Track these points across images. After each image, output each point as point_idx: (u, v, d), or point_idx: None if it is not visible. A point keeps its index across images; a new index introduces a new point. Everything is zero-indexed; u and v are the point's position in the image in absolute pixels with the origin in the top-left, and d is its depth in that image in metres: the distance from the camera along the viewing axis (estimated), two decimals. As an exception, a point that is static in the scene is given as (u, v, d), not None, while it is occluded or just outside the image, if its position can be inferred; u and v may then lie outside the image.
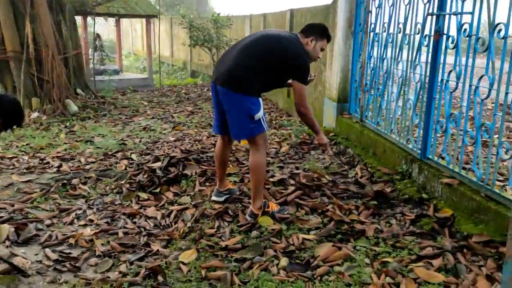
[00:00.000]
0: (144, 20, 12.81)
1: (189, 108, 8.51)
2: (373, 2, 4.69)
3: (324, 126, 5.85)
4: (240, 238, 3.06)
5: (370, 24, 4.77)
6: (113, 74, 11.90)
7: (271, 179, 3.99)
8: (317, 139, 3.48)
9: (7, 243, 3.11)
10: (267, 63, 3.11)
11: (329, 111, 5.80)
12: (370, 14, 4.78)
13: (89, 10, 9.45)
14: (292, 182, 3.94)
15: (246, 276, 2.61)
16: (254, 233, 3.12)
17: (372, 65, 4.76)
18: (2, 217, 3.54)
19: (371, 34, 4.76)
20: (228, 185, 3.75)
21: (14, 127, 2.79)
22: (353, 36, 5.24)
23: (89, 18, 11.35)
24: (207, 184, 4.06)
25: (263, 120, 3.17)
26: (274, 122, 7.04)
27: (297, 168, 4.34)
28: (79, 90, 8.55)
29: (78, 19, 13.30)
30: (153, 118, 7.57)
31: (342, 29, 5.31)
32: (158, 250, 3.06)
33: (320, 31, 3.33)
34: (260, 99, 3.18)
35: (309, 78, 3.32)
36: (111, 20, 13.85)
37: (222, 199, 3.66)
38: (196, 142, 5.69)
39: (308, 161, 4.70)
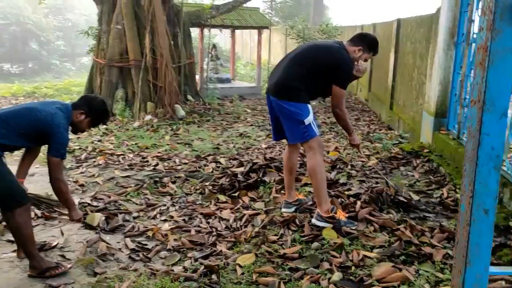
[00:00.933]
0: (265, 30, 13.32)
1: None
2: (476, 10, 4.32)
3: (421, 142, 5.51)
4: (299, 248, 3.06)
5: (472, 34, 4.40)
6: (225, 82, 12.56)
7: (346, 192, 3.90)
8: (350, 139, 3.68)
9: (98, 229, 3.52)
10: (315, 71, 3.30)
11: (426, 125, 5.45)
12: (472, 24, 4.41)
13: (204, 22, 10.15)
14: (367, 197, 3.79)
15: (294, 286, 2.61)
16: (315, 244, 3.09)
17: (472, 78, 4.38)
18: (98, 206, 4.01)
19: (473, 44, 4.38)
20: (297, 196, 3.77)
21: (101, 124, 3.20)
22: (455, 46, 4.88)
23: (206, 30, 12.15)
24: (282, 191, 4.10)
25: (313, 125, 3.32)
26: (371, 134, 6.81)
27: (377, 183, 4.17)
28: (189, 97, 9.23)
29: (196, 30, 14.34)
30: (251, 125, 7.84)
31: (444, 39, 4.98)
32: (221, 251, 3.20)
33: (369, 44, 3.42)
34: (309, 105, 3.33)
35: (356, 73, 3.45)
36: (228, 31, 14.65)
37: (291, 210, 3.67)
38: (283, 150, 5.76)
39: (394, 177, 4.48)
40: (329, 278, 2.65)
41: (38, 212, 3.78)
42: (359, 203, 3.60)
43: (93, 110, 3.07)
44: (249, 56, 25.63)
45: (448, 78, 5.01)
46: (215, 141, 6.50)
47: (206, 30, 11.69)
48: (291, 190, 3.73)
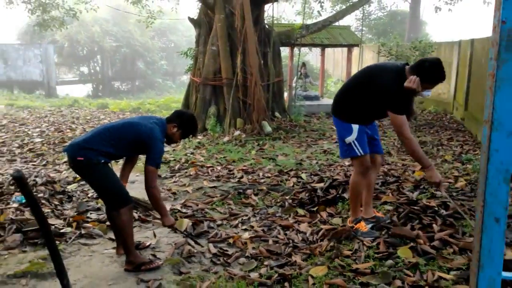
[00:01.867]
0: (355, 48, 13.34)
1: (376, 135, 8.53)
2: None
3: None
4: (372, 264, 3.09)
5: None
6: (314, 99, 12.71)
7: (424, 214, 3.82)
8: (427, 176, 3.32)
9: (185, 233, 3.86)
10: (364, 94, 3.37)
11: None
12: None
13: (293, 42, 10.45)
14: (448, 219, 3.69)
15: (363, 300, 2.66)
16: (389, 262, 3.10)
17: None
18: (187, 213, 4.37)
19: None
20: (374, 213, 3.79)
21: (190, 136, 3.55)
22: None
23: (296, 48, 12.45)
24: (361, 209, 4.13)
25: (354, 145, 3.47)
26: (463, 155, 6.50)
27: (462, 205, 4.02)
28: (277, 113, 9.53)
29: (286, 49, 14.70)
30: (336, 142, 7.87)
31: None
32: (296, 261, 3.33)
33: (425, 73, 3.18)
34: (354, 125, 3.46)
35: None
36: (318, 49, 14.83)
37: (368, 227, 3.70)
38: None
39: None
40: (399, 296, 2.66)
41: (136, 215, 4.24)
42: (435, 225, 3.53)
43: (184, 123, 3.43)
44: (340, 73, 25.53)
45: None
46: (298, 157, 6.66)
47: (296, 49, 11.97)
48: (367, 206, 3.78)
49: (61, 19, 17.65)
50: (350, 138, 3.48)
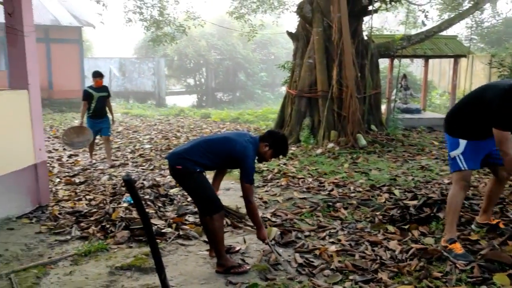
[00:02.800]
0: (464, 59, 12.58)
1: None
2: None
3: None
4: (464, 289, 2.95)
5: None
6: (414, 113, 12.20)
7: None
8: None
9: (273, 242, 4.00)
10: (470, 109, 3.43)
11: None
12: None
13: (393, 53, 10.18)
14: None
15: (450, 325, 2.56)
16: (483, 287, 2.93)
17: None
18: (276, 221, 4.53)
19: None
20: (491, 221, 3.80)
21: (281, 156, 3.71)
22: None
23: (396, 60, 12.10)
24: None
25: (459, 158, 3.50)
26: None
27: None
28: (373, 126, 9.34)
29: (386, 61, 14.31)
30: (436, 158, 7.51)
31: None
32: (382, 278, 3.29)
33: None
34: (462, 141, 3.47)
35: None
36: (421, 60, 14.20)
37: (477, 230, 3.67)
38: (471, 188, 5.41)
39: None
40: (492, 325, 2.52)
41: (228, 221, 4.50)
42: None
43: (275, 143, 3.59)
44: (447, 85, 24.07)
45: None
46: (393, 172, 6.48)
47: (396, 60, 11.63)
48: (484, 212, 3.87)
49: (171, 35, 19.14)
50: (455, 152, 3.55)
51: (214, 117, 19.07)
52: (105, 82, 25.13)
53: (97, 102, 7.44)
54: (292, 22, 49.86)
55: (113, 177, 6.72)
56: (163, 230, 4.23)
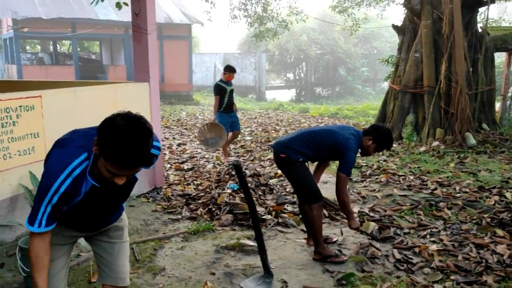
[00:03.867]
0: None
1: None
2: None
3: None
4: None
5: None
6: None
7: None
8: None
9: (371, 235, 4.03)
10: None
11: None
12: None
13: (511, 47, 9.36)
14: None
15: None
16: None
17: None
18: (374, 217, 4.52)
19: None
20: None
21: (385, 150, 3.67)
22: None
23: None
24: None
25: None
26: None
27: None
28: (484, 125, 8.71)
29: (501, 55, 13.14)
30: (558, 162, 6.82)
31: None
32: (486, 281, 3.17)
33: None
34: None
35: None
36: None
37: None
38: None
39: None
40: None
41: (326, 213, 4.59)
42: None
43: (380, 137, 3.58)
44: None
45: None
46: (505, 175, 6.03)
47: (515, 54, 10.67)
48: None
49: (274, 30, 19.53)
50: None
51: (312, 111, 19.12)
52: (210, 76, 26.29)
53: (229, 96, 7.10)
54: (397, 15, 47.74)
55: (217, 165, 7.16)
56: (263, 217, 4.46)
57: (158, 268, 3.37)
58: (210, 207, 4.69)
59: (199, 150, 8.47)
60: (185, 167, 7.03)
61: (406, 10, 9.23)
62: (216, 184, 5.70)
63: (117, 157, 1.55)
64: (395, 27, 9.58)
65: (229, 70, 7.15)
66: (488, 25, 9.67)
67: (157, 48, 5.14)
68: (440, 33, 8.37)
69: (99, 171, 1.68)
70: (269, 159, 7.35)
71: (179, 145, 9.19)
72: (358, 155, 3.69)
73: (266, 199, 5.14)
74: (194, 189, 5.56)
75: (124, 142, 1.53)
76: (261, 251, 3.19)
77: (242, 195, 4.92)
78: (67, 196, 1.74)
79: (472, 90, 8.42)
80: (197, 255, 3.64)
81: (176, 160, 7.54)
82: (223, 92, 7.01)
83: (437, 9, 8.43)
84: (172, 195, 5.15)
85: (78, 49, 23.94)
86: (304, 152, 3.53)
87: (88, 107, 4.23)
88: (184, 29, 21.03)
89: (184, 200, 5.00)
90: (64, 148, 1.75)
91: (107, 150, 1.56)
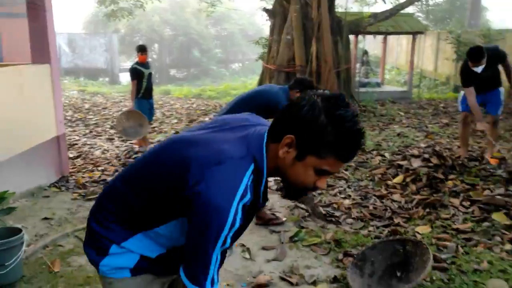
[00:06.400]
0: (410, 36, 13.48)
1: (445, 120, 8.83)
2: None
3: None
4: (471, 225, 3.60)
5: None
6: (375, 86, 13.02)
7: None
8: None
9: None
10: None
11: None
12: None
13: (362, 30, 10.82)
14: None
15: (470, 250, 3.18)
16: (486, 223, 3.60)
17: None
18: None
19: None
20: None
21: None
22: None
23: (360, 36, 12.79)
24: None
25: None
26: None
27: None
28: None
29: (351, 37, 14.97)
30: (407, 126, 8.27)
31: None
32: (399, 223, 3.89)
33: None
34: None
35: None
36: (379, 37, 15.05)
37: None
38: (446, 150, 6.15)
39: None
40: (502, 248, 3.17)
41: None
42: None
43: (306, 88, 3.86)
44: (395, 61, 25.37)
45: None
46: (374, 139, 7.13)
47: (360, 37, 12.31)
48: None
49: (129, 10, 18.77)
50: None
51: (176, 93, 19.06)
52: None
53: (148, 80, 6.61)
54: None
55: (104, 151, 6.88)
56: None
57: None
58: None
59: (77, 137, 7.96)
60: (71, 155, 6.60)
61: (275, -5, 9.92)
62: (122, 168, 5.55)
63: (358, 146, 1.24)
64: (266, 10, 10.22)
65: (141, 50, 6.58)
66: (340, 11, 10.93)
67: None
68: (308, 17, 9.24)
69: (290, 181, 1.30)
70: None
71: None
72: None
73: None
74: (102, 175, 5.34)
75: (359, 127, 1.23)
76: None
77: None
78: (240, 229, 1.27)
79: (335, 69, 9.54)
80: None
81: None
82: (140, 76, 6.49)
83: (304, -5, 9.28)
84: (87, 182, 4.89)
85: None
86: None
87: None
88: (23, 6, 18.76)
89: (102, 186, 4.80)
90: (223, 165, 1.23)
91: (343, 141, 1.20)
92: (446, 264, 2.97)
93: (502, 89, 5.26)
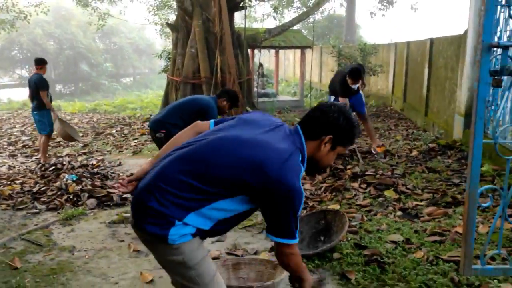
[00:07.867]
0: (298, 50, 14.84)
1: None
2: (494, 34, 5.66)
3: (454, 139, 6.80)
4: (369, 201, 4.44)
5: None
6: (271, 96, 14.08)
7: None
8: None
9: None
10: None
11: (457, 125, 6.76)
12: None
13: (258, 44, 11.74)
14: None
15: (372, 217, 3.99)
16: (381, 199, 4.47)
17: (492, 84, 5.70)
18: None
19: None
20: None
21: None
22: (479, 60, 6.21)
23: (256, 50, 13.75)
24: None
25: None
26: (409, 136, 8.11)
27: (420, 165, 5.52)
28: (248, 108, 10.74)
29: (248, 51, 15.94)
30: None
31: (470, 54, 6.32)
32: (313, 205, 4.60)
33: None
34: None
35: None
36: (272, 51, 16.27)
37: None
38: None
39: (432, 162, 5.80)
40: (394, 214, 4.03)
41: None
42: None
43: (231, 97, 4.55)
44: (284, 73, 27.21)
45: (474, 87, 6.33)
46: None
47: (256, 50, 13.26)
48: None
49: (11, 22, 17.67)
50: None
51: (69, 109, 18.29)
52: None
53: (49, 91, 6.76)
54: (138, 12, 48.77)
55: (11, 167, 6.70)
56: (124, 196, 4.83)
57: (69, 247, 3.48)
58: (66, 196, 4.71)
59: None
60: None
61: (179, 10, 10.35)
62: (44, 180, 5.55)
63: (357, 136, 1.93)
64: (169, 25, 10.61)
65: (43, 62, 6.76)
66: (239, 27, 11.76)
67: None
68: (210, 31, 9.84)
69: (321, 164, 1.89)
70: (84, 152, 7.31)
71: None
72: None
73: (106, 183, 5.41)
74: (22, 187, 5.28)
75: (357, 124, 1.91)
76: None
77: (88, 182, 5.10)
78: None
79: (238, 80, 10.26)
80: (93, 232, 3.85)
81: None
82: (48, 87, 6.64)
83: (206, 11, 9.87)
84: (12, 193, 4.83)
85: None
86: (179, 124, 4.19)
87: None
88: None
89: (30, 195, 4.80)
90: (289, 161, 1.69)
91: (353, 135, 1.86)
92: (356, 228, 3.71)
93: (362, 93, 6.58)
